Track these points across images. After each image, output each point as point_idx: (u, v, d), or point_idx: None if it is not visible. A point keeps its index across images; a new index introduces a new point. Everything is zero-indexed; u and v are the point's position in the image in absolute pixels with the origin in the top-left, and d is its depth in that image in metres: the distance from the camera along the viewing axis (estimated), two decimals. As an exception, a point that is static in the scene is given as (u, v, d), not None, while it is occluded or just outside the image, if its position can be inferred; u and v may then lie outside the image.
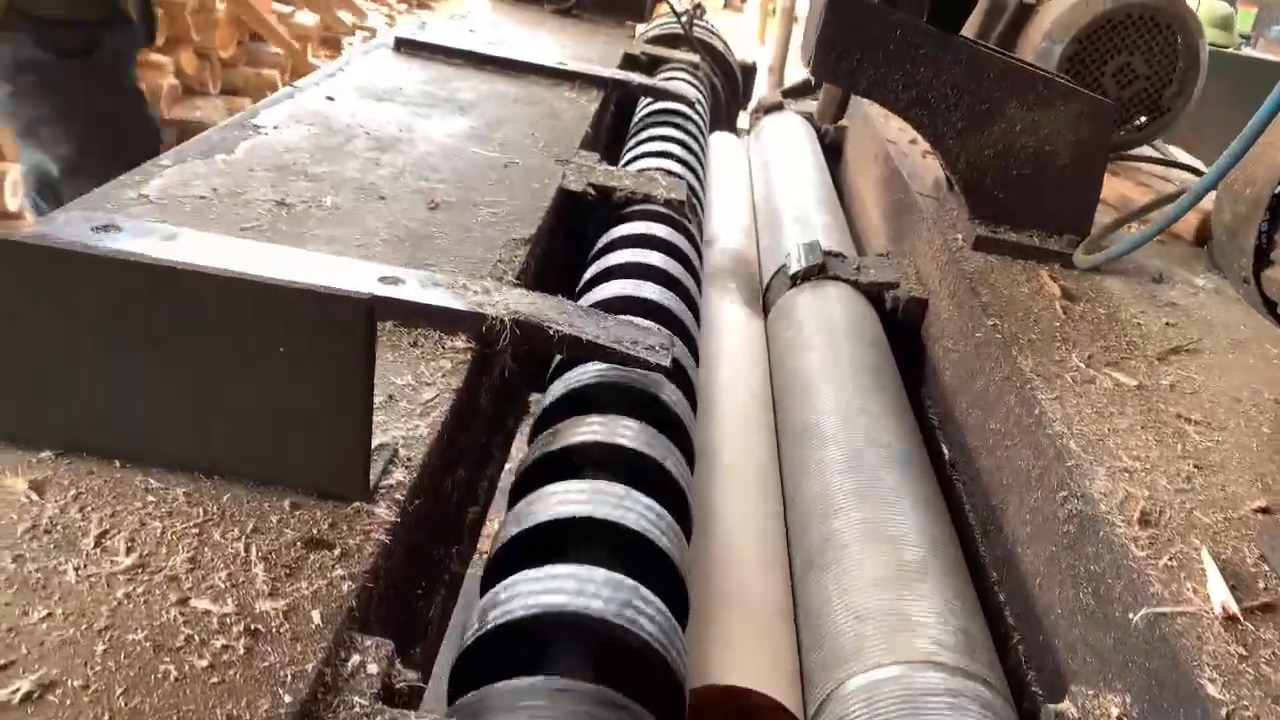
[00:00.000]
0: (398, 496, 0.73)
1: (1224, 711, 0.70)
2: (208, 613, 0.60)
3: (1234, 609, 0.79)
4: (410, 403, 0.84)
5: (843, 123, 2.52)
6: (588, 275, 1.28)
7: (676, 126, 1.92)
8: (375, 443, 0.74)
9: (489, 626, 0.69)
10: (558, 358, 1.10)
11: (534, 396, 1.35)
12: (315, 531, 0.68)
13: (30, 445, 0.71)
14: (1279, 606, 0.81)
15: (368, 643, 0.62)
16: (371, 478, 0.72)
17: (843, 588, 0.99)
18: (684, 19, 2.87)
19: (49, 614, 0.58)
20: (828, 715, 0.87)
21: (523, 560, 0.77)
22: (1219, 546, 0.88)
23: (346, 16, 5.41)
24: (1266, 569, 0.85)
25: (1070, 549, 0.95)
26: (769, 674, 0.92)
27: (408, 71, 1.88)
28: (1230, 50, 6.46)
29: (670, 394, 1.01)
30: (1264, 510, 0.94)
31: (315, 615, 0.61)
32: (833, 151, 2.54)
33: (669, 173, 1.62)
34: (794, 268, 1.65)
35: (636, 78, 2.10)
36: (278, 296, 0.68)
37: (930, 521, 1.08)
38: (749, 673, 0.91)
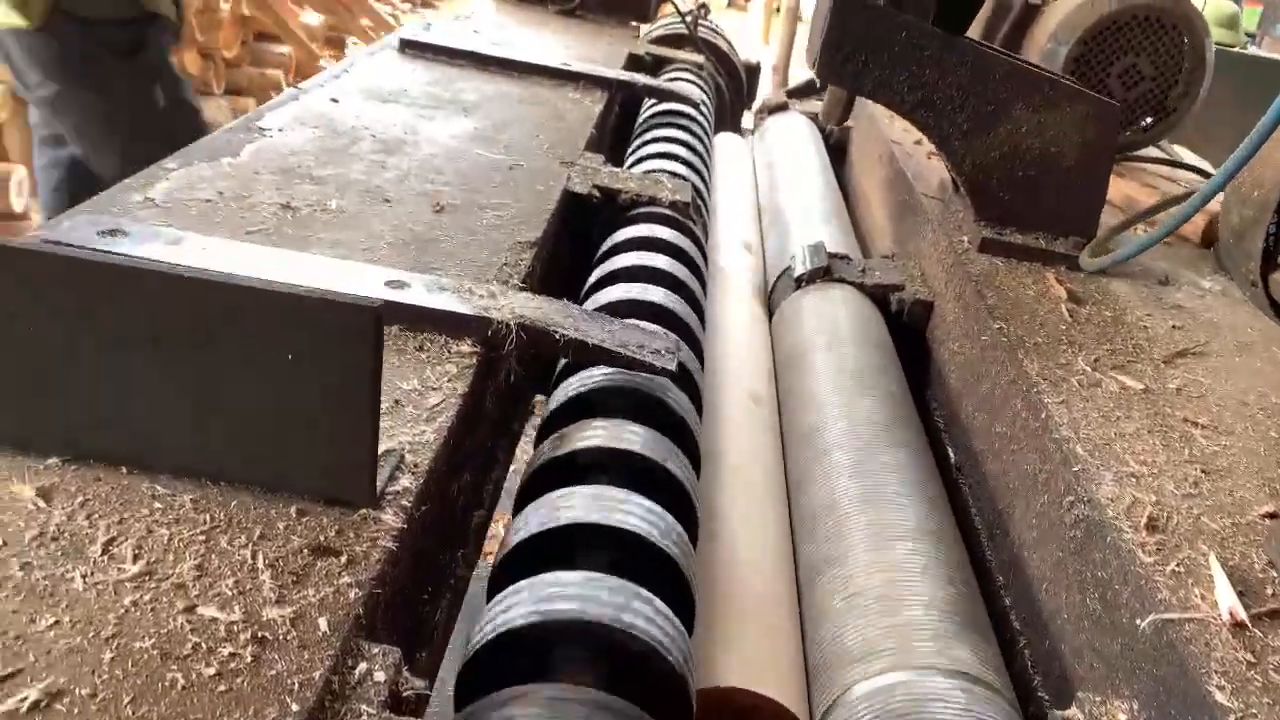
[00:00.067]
0: (404, 503, 0.73)
1: (1232, 719, 0.70)
2: (215, 620, 0.60)
3: (1242, 615, 0.78)
4: (416, 408, 0.84)
5: (847, 123, 2.52)
6: (593, 278, 1.28)
7: (681, 128, 1.92)
8: (382, 449, 0.73)
9: (495, 633, 0.69)
10: (563, 361, 1.10)
11: (538, 397, 1.35)
12: (322, 538, 0.68)
13: (36, 452, 0.71)
14: (1287, 613, 0.81)
15: (375, 650, 0.62)
16: (378, 484, 0.72)
17: (848, 592, 0.99)
18: (688, 19, 2.87)
19: (56, 622, 0.58)
20: (834, 721, 0.87)
21: (528, 566, 0.77)
22: (1227, 552, 0.87)
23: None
24: (1275, 575, 0.85)
25: (1077, 554, 0.95)
26: (775, 678, 0.92)
27: (412, 72, 1.88)
28: (1236, 49, 6.45)
29: (676, 398, 1.01)
30: (1272, 515, 0.94)
31: (322, 623, 0.61)
32: (837, 152, 2.53)
33: (674, 174, 1.62)
34: (799, 270, 1.65)
35: (641, 79, 2.10)
36: (285, 303, 0.68)
37: (936, 525, 1.08)
38: (755, 676, 0.91)
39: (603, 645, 0.71)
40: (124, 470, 0.71)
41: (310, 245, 1.09)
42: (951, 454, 1.35)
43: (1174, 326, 1.34)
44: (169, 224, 1.07)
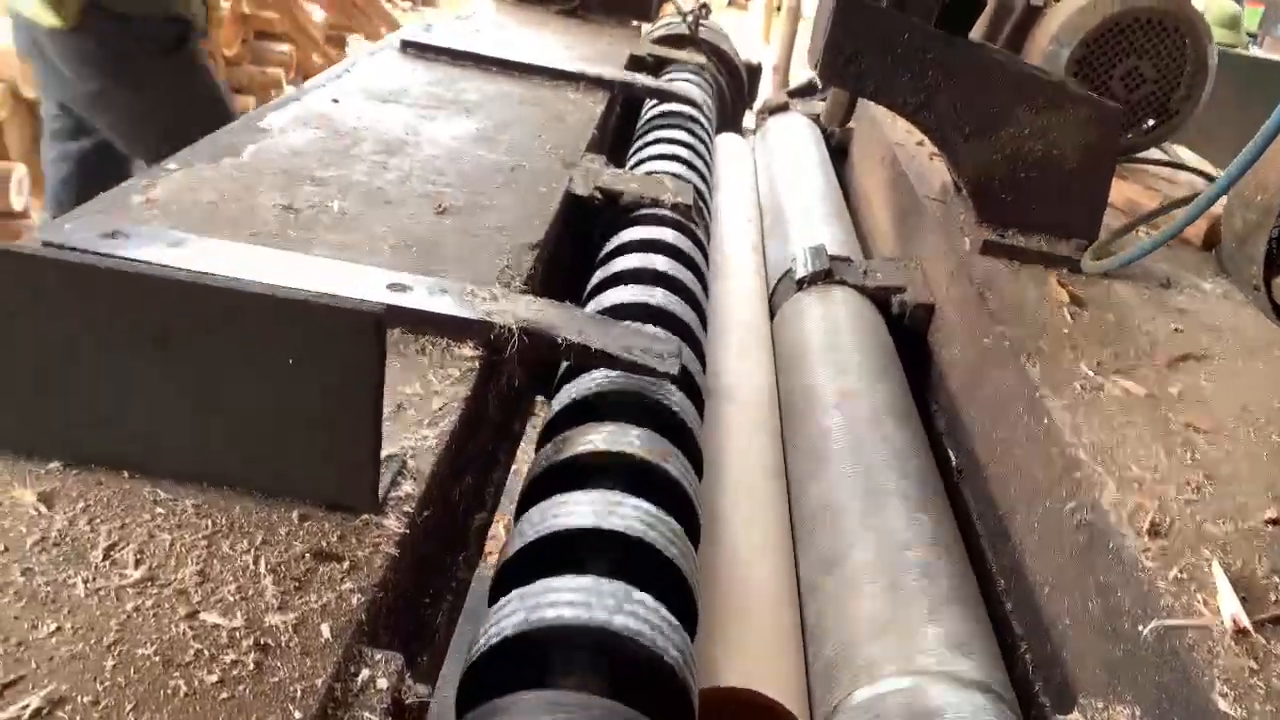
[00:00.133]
0: (407, 508, 0.73)
1: (1235, 727, 0.70)
2: (217, 627, 0.60)
3: (1245, 622, 0.78)
4: (418, 412, 0.84)
5: (849, 124, 2.52)
6: (595, 280, 1.28)
7: (683, 129, 1.91)
8: (384, 453, 0.73)
9: (495, 640, 0.69)
10: (565, 364, 1.10)
11: (538, 398, 1.35)
12: (324, 544, 0.68)
13: (38, 456, 0.71)
14: (1290, 619, 0.81)
15: (377, 657, 0.62)
16: (380, 489, 0.72)
17: (849, 596, 0.99)
18: (689, 19, 2.87)
19: (58, 628, 0.58)
20: (836, 726, 0.87)
21: (530, 571, 0.77)
22: (1229, 558, 0.87)
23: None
24: (1277, 581, 0.85)
25: (1079, 559, 0.95)
26: (777, 681, 0.92)
27: (413, 73, 1.87)
28: (1238, 50, 6.44)
29: (678, 401, 1.01)
30: (1274, 521, 0.94)
31: (325, 629, 0.61)
32: (839, 153, 2.53)
33: (676, 176, 1.62)
34: (800, 272, 1.65)
35: (642, 79, 2.10)
36: (287, 308, 0.67)
37: (937, 529, 1.08)
38: (757, 679, 0.91)
39: (604, 651, 0.71)
40: (126, 474, 0.71)
41: (312, 247, 1.09)
42: (953, 457, 1.35)
43: (1176, 330, 1.33)
44: (171, 226, 1.07)
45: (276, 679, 0.57)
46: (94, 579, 0.62)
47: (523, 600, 0.71)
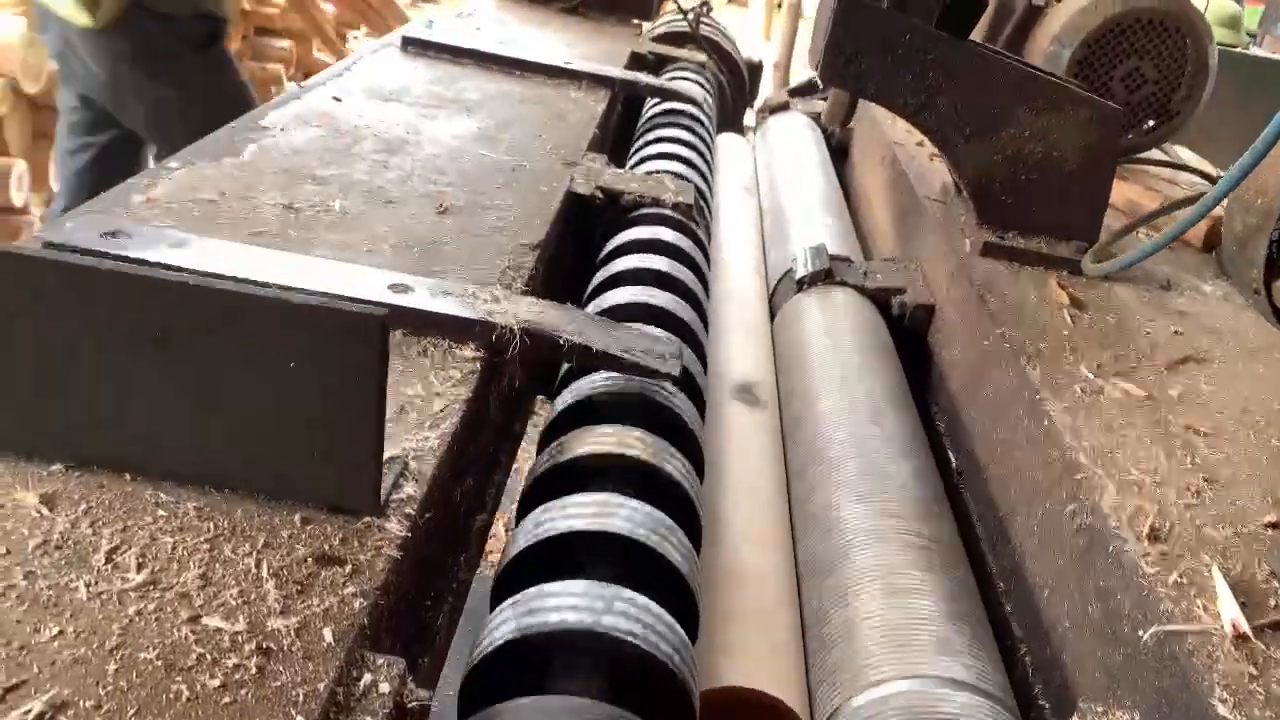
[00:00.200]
0: (408, 511, 0.73)
1: (1235, 732, 0.70)
2: (219, 631, 0.60)
3: (1244, 627, 0.78)
4: (420, 414, 0.84)
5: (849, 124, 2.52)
6: (596, 280, 1.28)
7: (684, 128, 1.91)
8: (386, 455, 0.73)
9: (495, 645, 0.69)
10: (566, 365, 1.10)
11: (539, 399, 1.35)
12: (326, 547, 0.68)
13: (40, 458, 0.71)
14: (1290, 624, 0.81)
15: (380, 661, 0.62)
16: (382, 492, 0.72)
17: (849, 599, 0.99)
18: (690, 17, 2.86)
19: (60, 632, 0.58)
20: (836, 729, 0.87)
21: (531, 574, 0.77)
22: (1229, 562, 0.87)
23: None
24: (1277, 586, 0.85)
25: (1079, 562, 0.95)
26: (779, 682, 0.92)
27: (414, 71, 1.87)
28: (1238, 49, 6.44)
29: (679, 403, 1.01)
30: (1274, 525, 0.94)
31: (327, 633, 0.61)
32: (839, 153, 2.53)
33: (677, 175, 1.62)
34: (800, 272, 1.65)
35: (644, 78, 2.10)
36: (289, 310, 0.67)
37: (937, 531, 1.08)
38: (758, 679, 0.91)
39: (603, 654, 0.71)
40: (127, 477, 0.71)
41: (313, 247, 1.09)
42: (953, 459, 1.35)
43: (1175, 332, 1.34)
44: (172, 225, 1.07)
45: (279, 683, 0.57)
46: (96, 582, 0.62)
47: (521, 605, 0.71)
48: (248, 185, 1.21)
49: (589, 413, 0.98)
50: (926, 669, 0.87)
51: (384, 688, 0.60)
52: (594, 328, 0.99)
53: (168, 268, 0.91)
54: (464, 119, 1.64)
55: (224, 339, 0.68)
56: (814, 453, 1.25)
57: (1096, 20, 1.84)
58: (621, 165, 1.75)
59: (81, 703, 0.54)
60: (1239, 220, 1.40)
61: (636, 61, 2.43)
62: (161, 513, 0.68)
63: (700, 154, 1.84)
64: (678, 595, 0.80)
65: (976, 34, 1.81)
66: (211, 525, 0.68)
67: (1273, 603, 0.83)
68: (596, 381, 1.00)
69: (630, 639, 0.70)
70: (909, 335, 1.57)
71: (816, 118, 2.65)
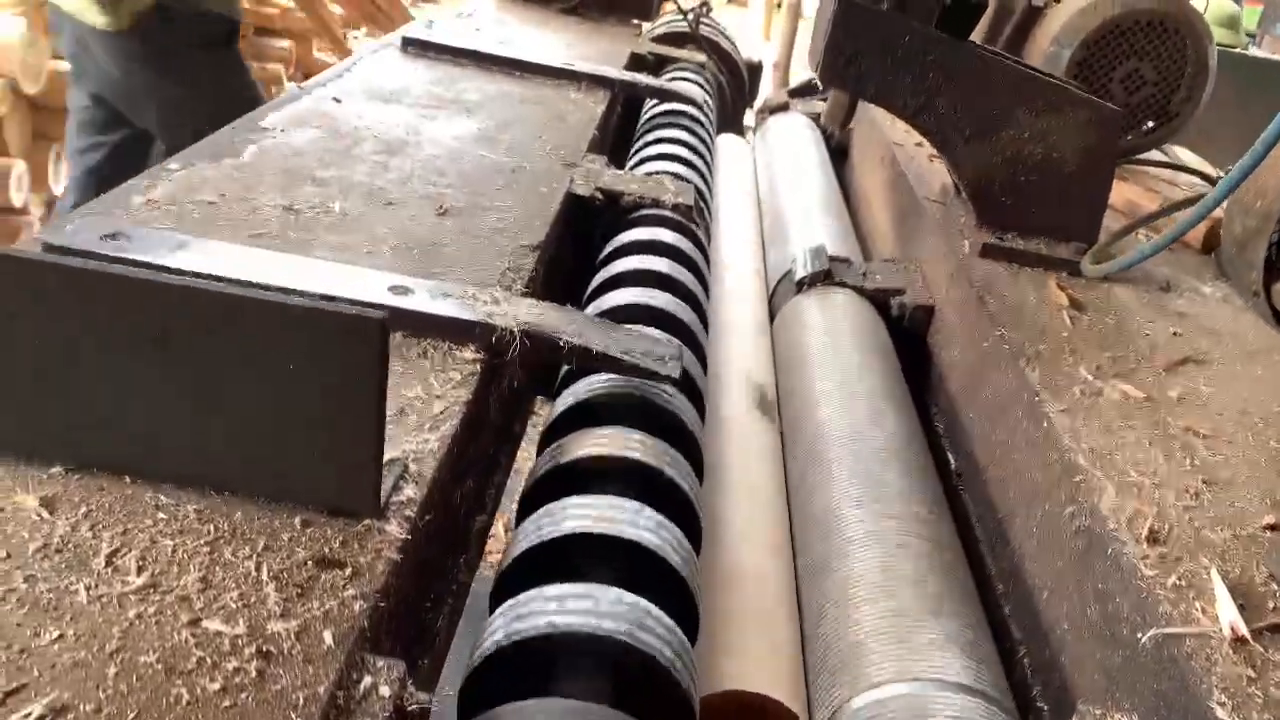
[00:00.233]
0: (408, 513, 0.73)
1: (1233, 735, 0.70)
2: (219, 634, 0.60)
3: (1243, 630, 0.79)
4: (420, 416, 0.84)
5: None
6: (596, 282, 1.28)
7: (684, 129, 1.91)
8: (386, 458, 0.73)
9: (497, 646, 0.69)
10: (566, 367, 1.10)
11: (538, 399, 1.35)
12: (326, 550, 0.68)
13: (40, 461, 0.71)
14: (1288, 627, 0.81)
15: (380, 664, 0.62)
16: (382, 494, 0.72)
17: (848, 601, 0.99)
18: (690, 17, 2.87)
19: (60, 635, 0.58)
20: (834, 732, 0.87)
21: (530, 577, 0.77)
22: (1228, 565, 0.87)
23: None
24: (1275, 588, 0.85)
25: (1078, 564, 0.95)
26: (779, 685, 0.92)
27: (414, 71, 1.87)
28: (1237, 50, 6.45)
29: (679, 405, 1.01)
30: (1272, 527, 0.94)
31: (327, 636, 0.61)
32: (839, 153, 2.53)
33: (677, 176, 1.62)
34: (800, 273, 1.65)
35: (644, 79, 2.10)
36: (289, 314, 0.67)
37: (936, 532, 1.08)
38: (758, 681, 0.91)
39: (605, 658, 0.71)
40: (127, 480, 0.71)
41: (313, 248, 1.09)
42: (952, 460, 1.35)
43: (1175, 334, 1.34)
44: (172, 227, 1.07)
45: (279, 687, 0.58)
46: (96, 586, 0.62)
47: (525, 607, 0.71)
48: (247, 186, 1.21)
49: (589, 414, 0.98)
50: (925, 671, 0.87)
51: (384, 691, 0.60)
52: (594, 329, 0.99)
53: (168, 270, 0.91)
54: (464, 120, 1.64)
55: (224, 341, 0.68)
56: (813, 454, 1.25)
57: (1096, 21, 1.84)
58: (621, 166, 1.75)
59: (82, 706, 0.54)
60: (1238, 222, 1.41)
61: (636, 62, 2.43)
62: (162, 515, 0.69)
63: (700, 155, 1.84)
64: (678, 597, 0.80)
65: (976, 35, 1.81)
66: (212, 528, 0.68)
67: (1271, 605, 0.83)
68: (596, 383, 1.00)
69: (631, 642, 0.70)
70: (908, 336, 1.57)
71: (816, 118, 2.65)
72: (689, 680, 0.73)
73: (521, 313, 0.98)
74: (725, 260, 1.82)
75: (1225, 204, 1.28)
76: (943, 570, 1.02)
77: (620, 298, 1.17)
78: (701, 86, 2.37)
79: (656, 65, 2.53)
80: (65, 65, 3.85)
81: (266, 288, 0.90)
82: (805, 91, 2.92)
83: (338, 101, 1.60)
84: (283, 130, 1.42)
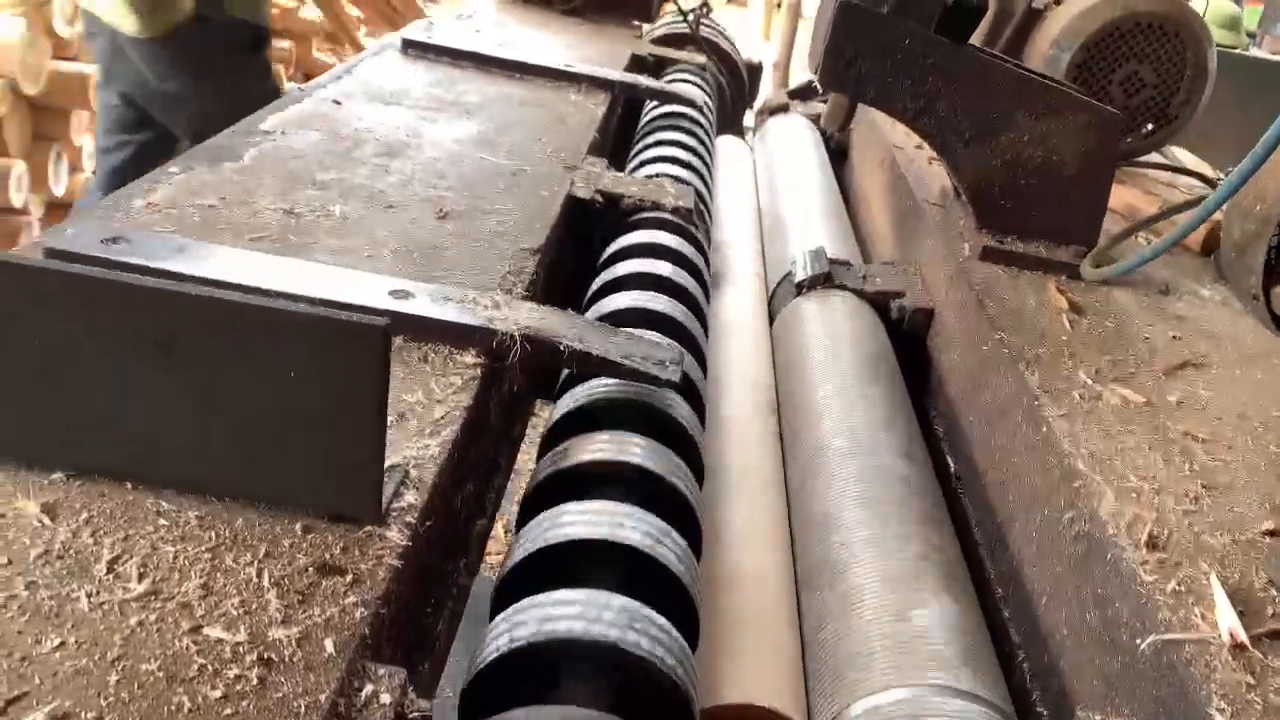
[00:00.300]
0: (409, 519, 0.73)
1: (1232, 742, 0.70)
2: (220, 641, 0.60)
3: (1242, 636, 0.79)
4: (421, 421, 0.84)
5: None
6: (596, 285, 1.28)
7: (684, 131, 1.92)
8: (386, 463, 0.73)
9: (494, 655, 0.69)
10: (566, 371, 1.10)
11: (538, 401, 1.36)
12: (327, 556, 0.68)
13: (41, 466, 0.71)
14: (1287, 633, 0.81)
15: (381, 672, 0.62)
16: (383, 500, 0.72)
17: (847, 606, 0.99)
18: (691, 18, 2.86)
19: (62, 643, 0.59)
20: (834, 736, 0.87)
21: (531, 583, 0.77)
22: (1227, 570, 0.88)
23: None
24: (1275, 594, 0.85)
25: (1077, 570, 0.96)
26: (779, 693, 0.92)
27: (414, 73, 1.87)
28: (1237, 51, 6.45)
29: (680, 409, 1.01)
30: (1272, 533, 0.94)
31: (328, 644, 0.61)
32: (838, 154, 2.53)
33: (677, 179, 1.62)
34: (799, 276, 1.65)
35: (644, 81, 2.10)
36: (291, 320, 0.68)
37: (936, 536, 1.08)
38: (758, 690, 0.92)
39: (605, 665, 0.71)
40: (129, 485, 0.71)
41: (314, 252, 1.09)
42: (952, 464, 1.35)
43: (1174, 337, 1.34)
44: (173, 230, 1.07)
45: (280, 694, 0.58)
46: (97, 592, 0.62)
47: (525, 614, 0.71)
48: (248, 190, 1.21)
49: (589, 419, 0.98)
50: (924, 676, 0.88)
51: (385, 699, 0.60)
52: (594, 334, 0.99)
53: (168, 275, 0.91)
54: (464, 122, 1.64)
55: (225, 348, 0.68)
56: (813, 457, 1.25)
57: (1095, 24, 1.84)
58: (621, 168, 1.75)
59: (83, 714, 0.55)
60: (1237, 227, 1.41)
61: (636, 63, 2.43)
62: (163, 522, 0.69)
63: (700, 157, 1.84)
64: (678, 603, 0.80)
65: (976, 38, 1.81)
66: (213, 534, 0.68)
67: (1270, 611, 0.83)
68: (597, 387, 1.01)
69: (631, 648, 0.70)
70: (908, 339, 1.57)
71: (816, 119, 2.65)
72: (689, 686, 0.73)
73: (522, 317, 0.98)
74: (725, 261, 1.82)
75: (1224, 207, 1.28)
76: (942, 574, 1.02)
77: (620, 301, 1.17)
78: (701, 88, 2.37)
79: (657, 67, 2.53)
80: (65, 65, 3.85)
81: (267, 293, 0.91)
82: (805, 93, 2.92)
83: (338, 104, 1.60)
84: (283, 132, 1.42)
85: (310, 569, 0.67)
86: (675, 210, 1.44)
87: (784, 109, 2.80)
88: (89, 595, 0.62)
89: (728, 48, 3.04)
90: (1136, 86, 1.89)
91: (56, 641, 0.59)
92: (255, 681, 0.58)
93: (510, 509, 1.51)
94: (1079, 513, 0.97)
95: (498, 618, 0.73)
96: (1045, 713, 0.97)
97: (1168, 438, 1.08)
